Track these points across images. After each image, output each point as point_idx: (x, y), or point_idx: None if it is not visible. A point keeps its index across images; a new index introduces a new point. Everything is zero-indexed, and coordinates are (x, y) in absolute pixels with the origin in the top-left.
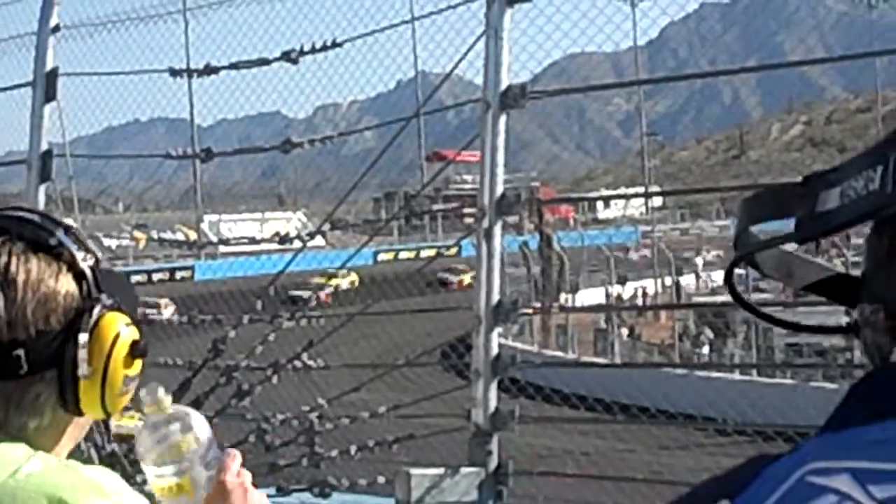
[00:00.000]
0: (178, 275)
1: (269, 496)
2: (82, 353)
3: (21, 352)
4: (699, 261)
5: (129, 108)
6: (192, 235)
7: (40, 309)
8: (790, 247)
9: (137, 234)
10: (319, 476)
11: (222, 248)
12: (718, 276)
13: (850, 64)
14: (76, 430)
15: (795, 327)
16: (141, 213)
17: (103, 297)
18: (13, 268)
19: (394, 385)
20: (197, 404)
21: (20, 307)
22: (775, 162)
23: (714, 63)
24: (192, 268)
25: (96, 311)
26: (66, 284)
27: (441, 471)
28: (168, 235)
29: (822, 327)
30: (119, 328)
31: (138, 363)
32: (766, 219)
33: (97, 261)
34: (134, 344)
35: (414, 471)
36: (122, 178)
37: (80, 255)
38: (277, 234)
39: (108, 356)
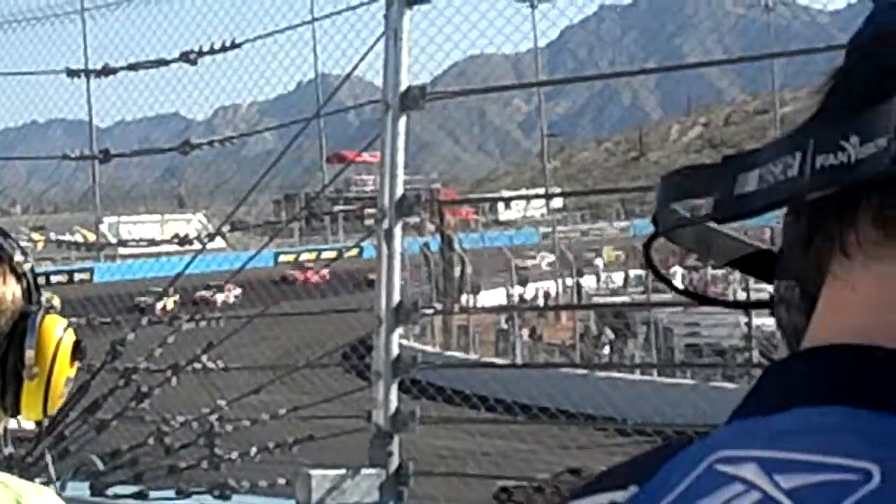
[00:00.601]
0: (77, 277)
1: (168, 499)
2: (29, 355)
3: None
4: (599, 262)
5: (27, 109)
6: (91, 237)
7: None
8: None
9: (35, 235)
10: (220, 478)
11: (122, 251)
12: (619, 277)
13: (748, 66)
14: None
15: (712, 302)
16: (39, 215)
17: (43, 299)
18: None
19: (294, 387)
20: (95, 407)
21: None
22: (674, 163)
23: (613, 65)
24: (91, 270)
25: (40, 313)
26: (11, 287)
27: (342, 472)
28: (67, 237)
29: (737, 302)
30: (59, 330)
31: (75, 365)
32: (683, 197)
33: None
34: (76, 346)
35: (314, 472)
36: (19, 179)
37: (19, 258)
38: (177, 235)
39: (53, 358)
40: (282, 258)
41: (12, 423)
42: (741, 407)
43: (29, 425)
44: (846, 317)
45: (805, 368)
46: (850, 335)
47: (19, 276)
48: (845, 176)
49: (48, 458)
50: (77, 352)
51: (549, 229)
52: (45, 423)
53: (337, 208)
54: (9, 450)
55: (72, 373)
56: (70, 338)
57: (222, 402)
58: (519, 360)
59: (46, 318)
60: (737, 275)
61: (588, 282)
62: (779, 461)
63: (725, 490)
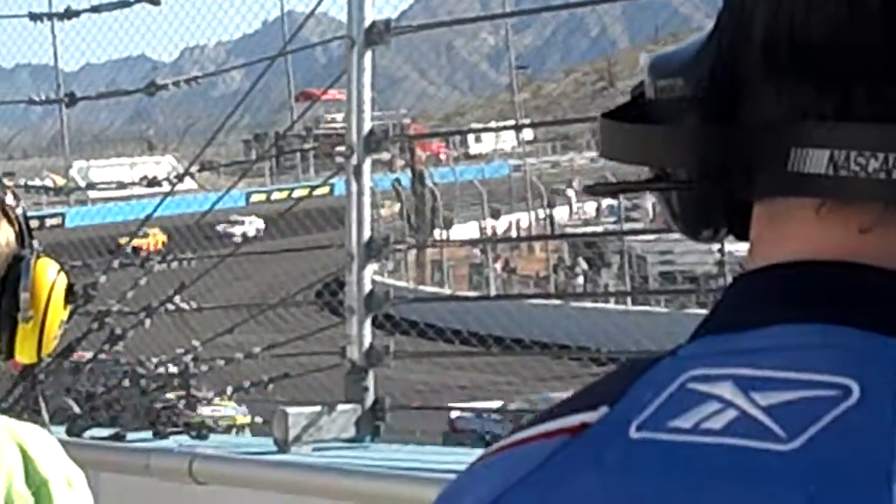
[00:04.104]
0: (49, 222)
1: (145, 440)
2: (24, 298)
3: None
4: (571, 193)
5: None
6: (61, 182)
7: None
8: None
9: (5, 182)
10: (196, 418)
11: (93, 195)
12: (591, 208)
13: None
14: None
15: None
16: (7, 161)
17: (35, 243)
18: None
19: (269, 326)
20: (70, 350)
21: None
22: None
23: None
24: (62, 215)
25: (33, 257)
26: (5, 231)
27: (318, 409)
28: (36, 182)
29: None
30: (52, 273)
31: (68, 307)
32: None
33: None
34: (69, 288)
35: (290, 409)
36: None
37: (11, 202)
38: (146, 177)
39: (48, 301)
40: (254, 198)
41: None
42: (708, 322)
43: None
44: (815, 234)
45: (778, 284)
46: (823, 252)
47: (11, 220)
48: None
49: (41, 402)
50: (70, 294)
51: (520, 161)
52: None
53: (306, 146)
54: None
55: (65, 315)
56: (63, 281)
57: (196, 343)
58: (493, 293)
59: (39, 261)
60: None
61: (560, 213)
62: (755, 378)
63: (700, 408)
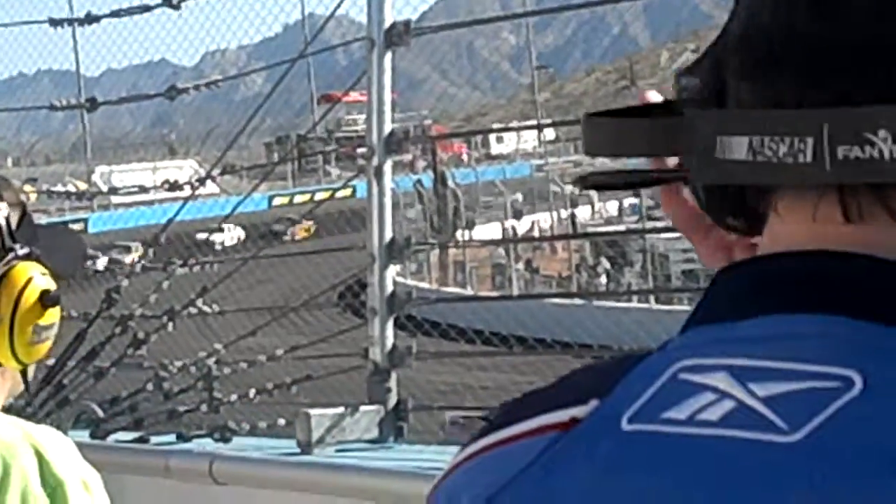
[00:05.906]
0: (72, 227)
1: (169, 443)
2: None
3: None
4: (593, 192)
5: (12, 61)
6: (84, 187)
7: None
8: None
9: (28, 188)
10: (219, 421)
11: (115, 200)
12: (613, 207)
13: None
14: (4, 383)
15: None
16: (30, 168)
17: (17, 246)
18: None
19: (291, 328)
20: (93, 355)
21: None
22: (666, 90)
23: None
24: (85, 220)
25: (7, 258)
26: None
27: (340, 410)
28: (59, 188)
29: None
30: (31, 276)
31: (52, 313)
32: (627, 153)
33: (24, 212)
34: (44, 293)
35: (313, 411)
36: (8, 132)
37: None
38: (168, 181)
39: (16, 303)
40: (276, 201)
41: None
42: (696, 314)
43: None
44: (812, 225)
45: (771, 273)
46: (820, 243)
47: None
48: (876, 173)
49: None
50: (45, 299)
51: (542, 161)
52: (31, 371)
53: (328, 148)
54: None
55: (44, 321)
56: (39, 284)
57: (219, 346)
58: (515, 293)
59: (17, 264)
60: None
61: (583, 212)
62: (751, 369)
63: (694, 399)
